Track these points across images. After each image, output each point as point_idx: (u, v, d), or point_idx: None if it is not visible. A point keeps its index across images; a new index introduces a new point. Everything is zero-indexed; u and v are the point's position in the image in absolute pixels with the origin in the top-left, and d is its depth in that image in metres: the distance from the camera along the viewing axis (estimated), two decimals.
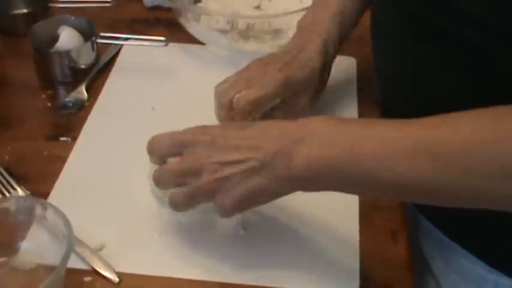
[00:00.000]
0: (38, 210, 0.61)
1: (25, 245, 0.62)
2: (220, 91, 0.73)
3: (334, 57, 0.78)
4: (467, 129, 0.50)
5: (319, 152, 0.54)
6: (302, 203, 0.68)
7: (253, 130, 0.58)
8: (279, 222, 0.68)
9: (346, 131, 0.54)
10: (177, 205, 0.62)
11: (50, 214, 0.60)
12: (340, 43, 0.78)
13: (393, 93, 0.75)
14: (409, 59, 0.68)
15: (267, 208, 0.67)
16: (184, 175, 0.60)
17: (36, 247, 0.61)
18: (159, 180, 0.63)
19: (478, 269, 0.69)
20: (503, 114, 0.50)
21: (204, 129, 0.60)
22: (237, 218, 0.67)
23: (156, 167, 0.64)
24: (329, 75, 0.78)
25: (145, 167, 0.68)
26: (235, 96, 0.71)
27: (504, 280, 0.68)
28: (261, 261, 0.64)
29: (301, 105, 0.74)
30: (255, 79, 0.72)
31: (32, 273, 0.60)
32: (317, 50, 0.75)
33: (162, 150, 0.63)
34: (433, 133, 0.51)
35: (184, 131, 0.62)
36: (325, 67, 0.76)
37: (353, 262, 0.64)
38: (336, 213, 0.69)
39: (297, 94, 0.74)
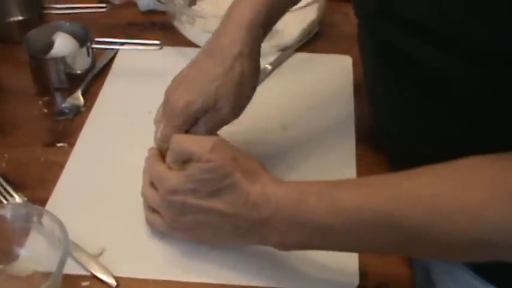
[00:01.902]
0: (34, 216, 0.61)
1: (22, 252, 0.62)
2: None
3: (254, 64, 0.68)
4: (426, 203, 0.53)
5: (289, 240, 0.58)
6: None
7: (224, 198, 0.59)
8: None
9: (307, 209, 0.56)
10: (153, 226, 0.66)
11: (46, 220, 0.60)
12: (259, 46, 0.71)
13: (377, 108, 0.75)
14: (384, 79, 0.69)
15: None
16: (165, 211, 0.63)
17: (33, 254, 0.61)
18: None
19: (467, 277, 0.70)
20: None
21: (173, 187, 0.61)
22: None
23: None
24: (255, 87, 0.69)
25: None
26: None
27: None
28: (260, 261, 0.64)
29: (223, 115, 0.67)
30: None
31: (29, 280, 0.60)
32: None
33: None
34: (393, 205, 0.54)
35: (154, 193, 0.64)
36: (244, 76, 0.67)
37: (352, 260, 0.64)
38: None
39: (215, 106, 0.66)
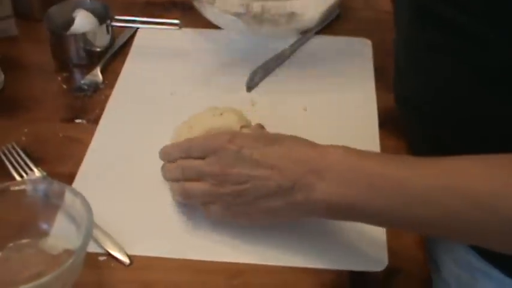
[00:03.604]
0: (59, 193, 0.61)
1: (53, 230, 0.62)
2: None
3: None
4: (480, 180, 0.52)
5: (337, 190, 0.56)
6: None
7: (278, 149, 0.59)
8: None
9: (364, 169, 0.56)
10: (188, 195, 0.64)
11: (73, 199, 0.60)
12: None
13: (406, 81, 0.74)
14: (417, 46, 0.68)
15: None
16: (206, 176, 0.62)
17: (63, 232, 0.61)
18: (179, 170, 0.64)
19: (471, 258, 0.70)
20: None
21: (232, 137, 0.61)
22: None
23: None
24: None
25: None
26: None
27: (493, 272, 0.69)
28: (281, 241, 0.64)
29: None
30: None
31: (57, 257, 0.60)
32: None
33: (193, 152, 0.64)
34: (446, 183, 0.53)
35: (214, 137, 0.63)
36: None
37: (380, 235, 0.65)
38: None
39: None
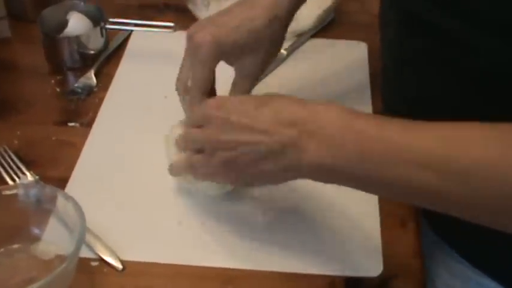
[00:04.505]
0: (51, 197, 0.61)
1: (44, 235, 0.62)
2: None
3: (286, 20, 0.69)
4: (476, 149, 0.50)
5: (329, 152, 0.54)
6: (321, 187, 0.67)
7: (267, 112, 0.58)
8: (298, 208, 0.68)
9: (357, 131, 0.54)
10: (189, 167, 0.64)
11: (65, 204, 0.60)
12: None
13: (393, 86, 0.74)
14: (404, 52, 0.68)
15: (286, 195, 0.68)
16: (202, 145, 0.62)
17: (55, 237, 0.61)
18: (179, 143, 0.65)
19: (463, 268, 0.70)
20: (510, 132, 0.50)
21: (219, 103, 0.61)
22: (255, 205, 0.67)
23: (171, 156, 0.66)
24: (283, 37, 0.70)
25: (161, 156, 0.68)
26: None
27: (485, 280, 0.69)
28: (276, 246, 0.64)
29: (250, 69, 0.68)
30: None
31: (48, 262, 0.60)
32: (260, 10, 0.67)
33: (190, 124, 0.65)
34: (442, 150, 0.51)
35: (203, 106, 0.63)
36: (274, 27, 0.68)
37: (375, 243, 0.64)
38: (355, 196, 0.68)
39: (241, 57, 0.67)
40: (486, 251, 0.68)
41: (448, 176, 0.50)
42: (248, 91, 0.69)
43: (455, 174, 0.50)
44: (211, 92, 0.67)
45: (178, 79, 0.69)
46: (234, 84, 0.69)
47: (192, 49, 0.66)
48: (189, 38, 0.66)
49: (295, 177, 0.59)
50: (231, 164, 0.59)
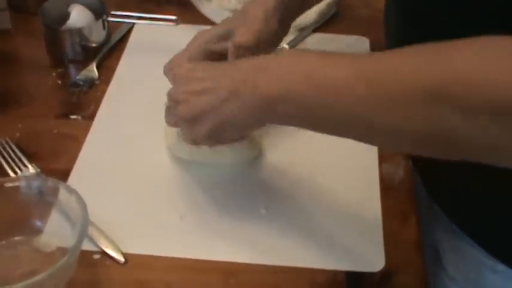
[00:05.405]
0: (53, 190, 0.61)
1: (46, 227, 0.62)
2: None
3: (277, 25, 0.70)
4: (399, 58, 0.53)
5: (279, 77, 0.56)
6: (323, 181, 0.69)
7: (223, 64, 0.65)
8: (300, 202, 0.68)
9: (306, 60, 0.56)
10: (168, 121, 0.69)
11: (67, 196, 0.60)
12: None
13: None
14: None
15: (289, 189, 0.69)
16: (169, 102, 0.67)
17: (57, 229, 0.61)
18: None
19: (477, 253, 0.69)
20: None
21: (178, 62, 0.69)
22: (257, 199, 0.67)
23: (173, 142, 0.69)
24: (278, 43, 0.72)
25: (163, 148, 0.68)
26: None
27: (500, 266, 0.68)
28: (276, 240, 0.64)
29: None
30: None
31: (51, 255, 0.60)
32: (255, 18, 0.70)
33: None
34: (374, 65, 0.52)
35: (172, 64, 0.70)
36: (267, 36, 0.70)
37: (377, 237, 0.64)
38: (357, 191, 0.69)
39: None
40: (500, 236, 0.68)
41: (373, 87, 0.51)
42: None
43: (377, 82, 0.50)
44: None
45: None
46: None
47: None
48: (167, 73, 0.71)
49: (255, 119, 0.60)
50: (195, 115, 0.61)
